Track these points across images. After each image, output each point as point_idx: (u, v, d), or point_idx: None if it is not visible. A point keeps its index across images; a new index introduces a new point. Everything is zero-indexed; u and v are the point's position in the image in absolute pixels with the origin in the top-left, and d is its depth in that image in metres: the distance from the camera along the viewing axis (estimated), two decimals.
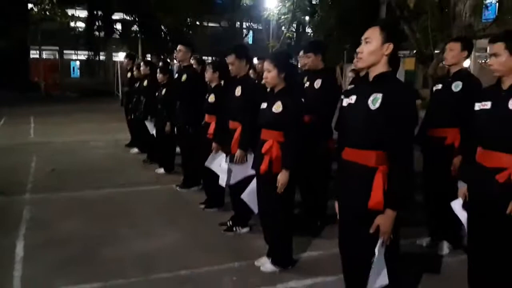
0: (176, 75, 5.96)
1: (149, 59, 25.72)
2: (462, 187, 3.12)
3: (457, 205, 3.18)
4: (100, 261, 3.87)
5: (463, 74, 3.97)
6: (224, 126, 4.51)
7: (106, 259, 3.91)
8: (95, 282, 3.46)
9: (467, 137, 3.30)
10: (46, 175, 6.85)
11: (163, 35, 29.81)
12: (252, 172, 4.06)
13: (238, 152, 4.28)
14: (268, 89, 3.70)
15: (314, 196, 4.83)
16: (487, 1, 18.59)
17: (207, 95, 5.14)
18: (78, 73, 35.81)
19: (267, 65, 3.51)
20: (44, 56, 29.56)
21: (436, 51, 15.10)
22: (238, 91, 4.40)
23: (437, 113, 4.12)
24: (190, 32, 28.88)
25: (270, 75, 3.50)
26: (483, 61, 20.72)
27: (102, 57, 34.42)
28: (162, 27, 28.89)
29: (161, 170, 7.00)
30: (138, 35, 29.63)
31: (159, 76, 6.71)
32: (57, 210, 5.20)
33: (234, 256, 3.95)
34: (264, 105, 3.60)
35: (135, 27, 30.25)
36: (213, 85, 5.16)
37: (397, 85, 2.44)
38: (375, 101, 2.38)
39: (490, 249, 2.89)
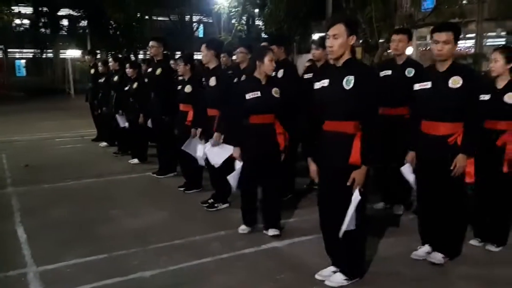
0: (150, 69, 6.35)
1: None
2: (410, 154, 3.75)
3: (406, 170, 3.83)
4: (98, 238, 4.29)
5: (413, 62, 4.69)
6: (203, 114, 4.99)
7: (103, 236, 4.33)
8: (100, 255, 3.89)
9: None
10: (21, 170, 7.08)
11: (112, 31, 29.52)
12: (230, 152, 4.60)
13: (215, 135, 4.78)
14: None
15: (286, 174, 5.39)
16: None
17: (181, 86, 5.59)
18: (24, 72, 34.79)
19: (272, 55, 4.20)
20: None
21: (380, 41, 16.06)
22: (212, 81, 4.91)
23: (388, 95, 4.77)
24: (139, 26, 28.76)
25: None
26: (423, 49, 22.06)
27: (49, 55, 33.54)
28: (111, 22, 28.61)
29: (135, 161, 7.38)
30: (87, 31, 29.23)
31: (129, 70, 7.08)
32: (44, 199, 5.52)
33: (220, 226, 4.48)
34: (258, 94, 4.10)
35: (83, 23, 29.81)
36: (186, 77, 5.63)
37: (364, 68, 3.14)
38: (348, 82, 3.02)
39: (437, 203, 3.58)
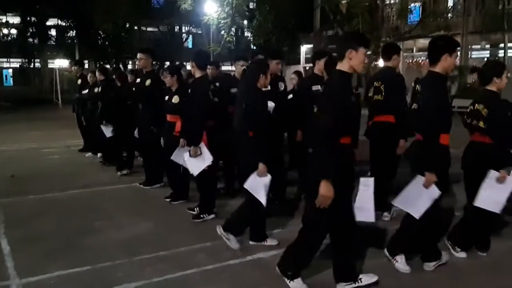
0: (139, 80, 6.35)
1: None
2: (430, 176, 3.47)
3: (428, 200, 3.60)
4: (83, 250, 4.27)
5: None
6: (191, 124, 5.01)
7: (89, 248, 4.31)
8: (85, 266, 3.87)
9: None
10: (7, 181, 7.02)
11: (101, 41, 29.51)
12: (209, 162, 4.71)
13: (191, 149, 4.84)
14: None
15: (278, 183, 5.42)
16: (411, 6, 20.21)
17: (169, 97, 5.60)
18: (11, 82, 34.57)
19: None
20: None
21: (368, 52, 16.19)
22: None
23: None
24: (128, 37, 28.81)
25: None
26: (409, 61, 22.36)
27: (37, 65, 33.37)
28: (100, 33, 28.61)
29: (124, 171, 7.34)
30: (75, 41, 29.21)
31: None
32: (29, 210, 5.49)
33: (205, 237, 4.47)
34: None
35: (71, 33, 29.78)
36: (173, 88, 5.64)
37: None
38: None
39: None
